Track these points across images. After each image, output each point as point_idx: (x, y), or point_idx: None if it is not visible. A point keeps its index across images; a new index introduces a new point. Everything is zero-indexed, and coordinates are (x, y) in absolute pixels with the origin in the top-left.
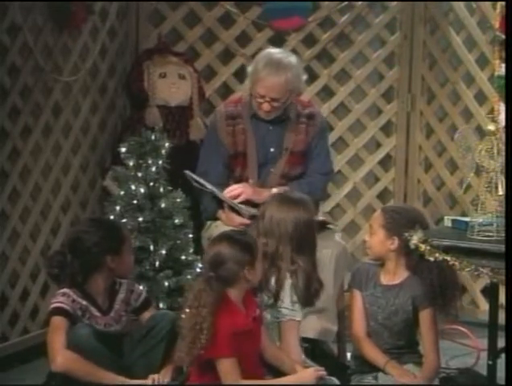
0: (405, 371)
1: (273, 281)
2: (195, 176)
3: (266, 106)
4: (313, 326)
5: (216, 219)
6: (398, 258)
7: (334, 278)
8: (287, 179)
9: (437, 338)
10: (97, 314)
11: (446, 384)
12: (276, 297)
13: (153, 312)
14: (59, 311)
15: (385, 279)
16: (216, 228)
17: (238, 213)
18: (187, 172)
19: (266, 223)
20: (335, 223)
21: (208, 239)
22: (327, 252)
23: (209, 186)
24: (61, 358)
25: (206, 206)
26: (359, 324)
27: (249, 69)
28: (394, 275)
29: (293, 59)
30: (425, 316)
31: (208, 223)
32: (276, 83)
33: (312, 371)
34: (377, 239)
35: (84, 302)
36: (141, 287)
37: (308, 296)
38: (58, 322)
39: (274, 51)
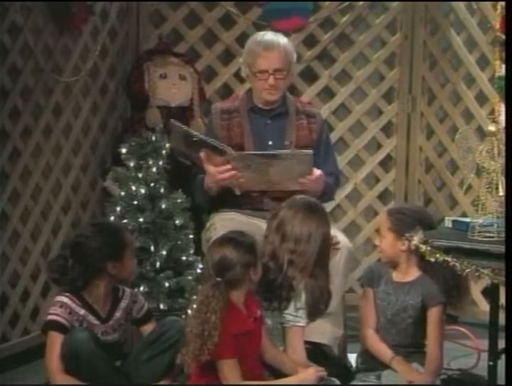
0: (410, 368)
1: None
2: (180, 124)
3: (271, 80)
4: (320, 329)
5: (208, 198)
6: (410, 258)
7: (343, 282)
8: None
9: (442, 338)
10: (96, 322)
11: (447, 385)
12: (286, 303)
13: (154, 323)
14: (55, 325)
15: (397, 277)
16: (215, 231)
17: (221, 155)
18: (173, 121)
19: (296, 232)
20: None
21: (206, 241)
22: (336, 256)
23: (194, 132)
24: (58, 381)
25: (195, 187)
26: (369, 321)
27: (243, 58)
28: (406, 274)
29: (281, 35)
30: (433, 314)
31: (208, 224)
32: (276, 54)
33: (313, 372)
34: (387, 242)
35: (82, 312)
36: (143, 298)
37: (317, 310)
38: (54, 338)
39: (261, 33)
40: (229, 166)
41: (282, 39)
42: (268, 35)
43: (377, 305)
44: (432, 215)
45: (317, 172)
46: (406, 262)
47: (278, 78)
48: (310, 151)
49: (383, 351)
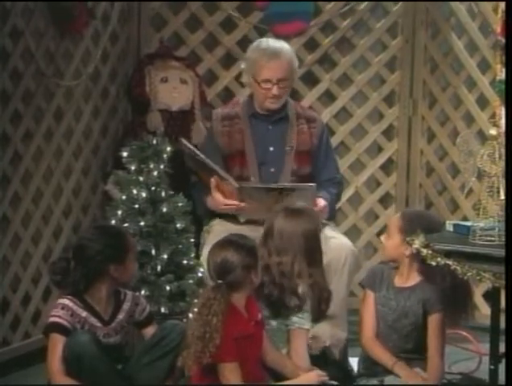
0: (413, 373)
1: (293, 298)
2: (189, 144)
3: (275, 90)
4: (323, 332)
5: (208, 212)
6: (412, 263)
7: (347, 285)
8: (297, 178)
9: (443, 344)
10: (98, 324)
11: None
12: (298, 309)
13: (155, 326)
14: (57, 327)
15: (398, 282)
16: (209, 235)
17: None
18: (183, 139)
19: (277, 240)
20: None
21: (202, 244)
22: (340, 258)
23: (202, 156)
24: (59, 382)
25: (197, 198)
26: (369, 325)
27: (245, 65)
28: (407, 278)
29: (282, 42)
30: (433, 321)
31: (204, 228)
32: (279, 63)
33: (314, 375)
34: (392, 242)
35: (84, 314)
36: (145, 301)
37: (321, 309)
38: (56, 340)
39: (262, 40)
40: (235, 202)
41: (285, 47)
42: (271, 43)
43: (377, 310)
44: (443, 225)
45: (321, 203)
46: (408, 267)
47: (281, 87)
48: (313, 184)
49: (385, 356)
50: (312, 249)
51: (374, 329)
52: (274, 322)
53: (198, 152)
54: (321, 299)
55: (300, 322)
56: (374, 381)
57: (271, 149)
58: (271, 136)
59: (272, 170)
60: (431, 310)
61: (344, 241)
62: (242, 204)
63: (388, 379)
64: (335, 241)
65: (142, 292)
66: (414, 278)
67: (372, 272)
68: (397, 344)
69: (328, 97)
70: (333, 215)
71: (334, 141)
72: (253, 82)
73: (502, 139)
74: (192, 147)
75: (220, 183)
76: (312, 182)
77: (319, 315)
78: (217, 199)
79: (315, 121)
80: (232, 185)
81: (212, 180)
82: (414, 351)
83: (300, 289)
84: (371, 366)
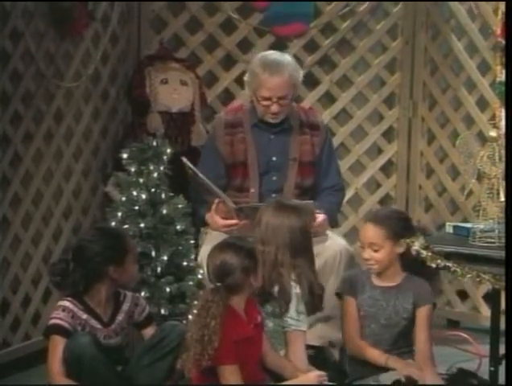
0: (407, 362)
1: (277, 289)
2: (190, 164)
3: (274, 108)
4: (320, 334)
5: (205, 224)
6: (397, 262)
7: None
8: (301, 190)
9: (431, 336)
10: (98, 326)
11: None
12: (284, 306)
13: (155, 327)
14: (57, 329)
15: (381, 282)
16: (206, 236)
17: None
18: (184, 159)
19: (262, 231)
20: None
21: (200, 245)
22: (335, 257)
23: (202, 176)
24: (58, 383)
25: (196, 210)
26: (355, 329)
27: (247, 77)
28: (393, 277)
29: (287, 56)
30: (422, 313)
31: (202, 229)
32: (280, 81)
33: (314, 376)
34: (385, 252)
35: (85, 316)
36: (144, 301)
37: (313, 302)
38: (56, 341)
39: (266, 53)
40: (233, 222)
41: (287, 62)
42: (273, 58)
43: (364, 312)
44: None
45: (320, 217)
46: (395, 265)
47: (281, 104)
48: (311, 201)
49: (376, 354)
50: (298, 245)
51: (359, 333)
52: (270, 324)
53: (198, 172)
54: (312, 293)
55: (297, 324)
56: (370, 381)
57: (274, 159)
58: (274, 146)
59: (274, 178)
60: (419, 304)
61: (339, 241)
62: (241, 223)
63: (383, 379)
64: (329, 241)
65: (142, 293)
66: (399, 276)
67: (348, 278)
68: (389, 342)
69: (328, 99)
70: (334, 224)
71: (334, 142)
72: (253, 96)
73: (502, 141)
74: (192, 167)
75: (220, 203)
76: (315, 191)
77: (313, 309)
78: (217, 221)
79: (318, 129)
80: (230, 207)
81: (214, 202)
82: (404, 346)
83: (285, 282)
84: (359, 368)
